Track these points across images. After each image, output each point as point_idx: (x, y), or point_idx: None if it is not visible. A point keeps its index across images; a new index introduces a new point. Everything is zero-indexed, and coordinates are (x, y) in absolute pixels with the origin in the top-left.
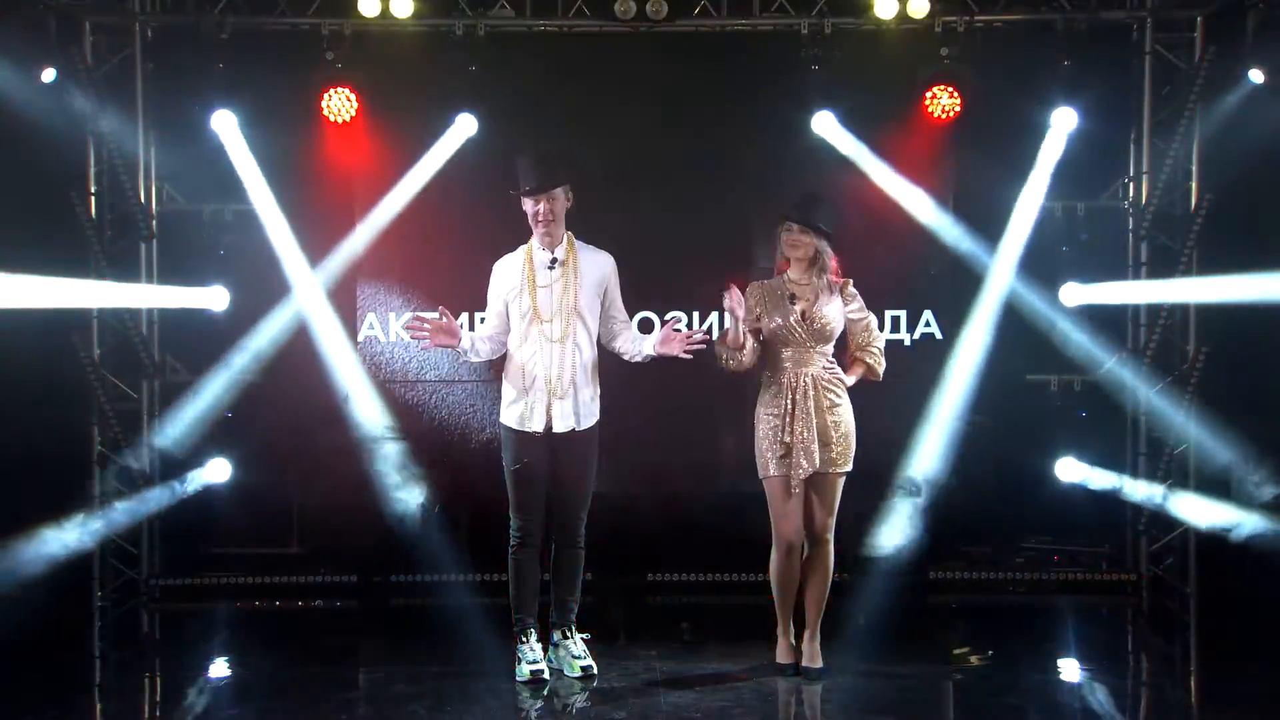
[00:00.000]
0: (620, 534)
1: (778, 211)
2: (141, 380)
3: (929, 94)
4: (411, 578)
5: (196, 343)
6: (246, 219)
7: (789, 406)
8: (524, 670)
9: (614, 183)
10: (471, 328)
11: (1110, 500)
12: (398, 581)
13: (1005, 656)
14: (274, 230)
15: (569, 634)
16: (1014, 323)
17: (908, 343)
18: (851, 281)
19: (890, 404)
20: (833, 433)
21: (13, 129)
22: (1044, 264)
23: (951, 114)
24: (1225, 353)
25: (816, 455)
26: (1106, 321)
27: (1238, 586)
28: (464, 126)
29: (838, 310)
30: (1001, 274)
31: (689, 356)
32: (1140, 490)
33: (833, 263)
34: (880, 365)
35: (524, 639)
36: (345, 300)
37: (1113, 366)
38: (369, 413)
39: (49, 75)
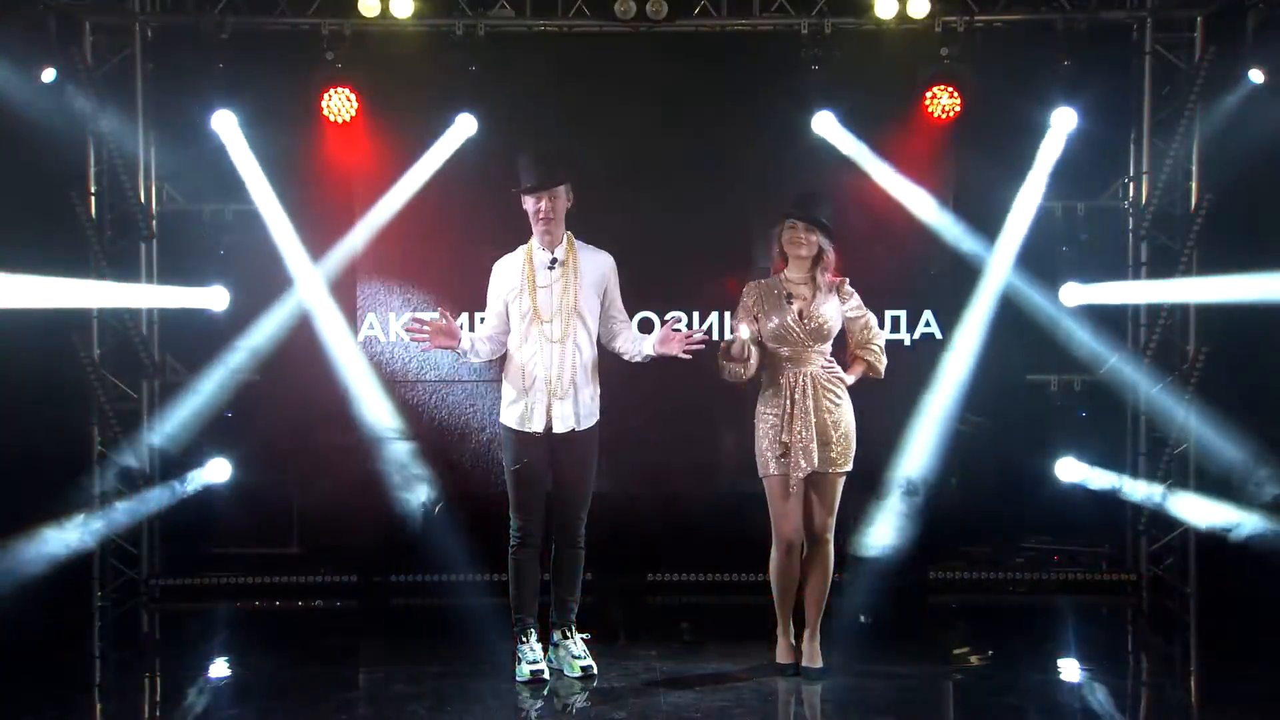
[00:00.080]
0: (620, 534)
1: (777, 211)
2: (141, 380)
3: (929, 94)
4: (411, 578)
5: (196, 343)
6: (246, 219)
7: (788, 406)
8: (524, 670)
9: (614, 183)
10: (471, 328)
11: (1110, 500)
12: (398, 581)
13: (1005, 656)
14: (276, 229)
15: (569, 634)
16: (1014, 323)
17: (908, 343)
18: (848, 280)
19: (890, 404)
20: (832, 432)
21: (13, 129)
22: (1044, 264)
23: (951, 114)
24: (1225, 353)
25: (816, 455)
26: (1106, 321)
27: (1238, 586)
28: (464, 126)
29: (835, 309)
30: (999, 273)
31: (688, 356)
32: (1140, 490)
33: (832, 261)
34: (881, 363)
35: (524, 639)
36: (345, 300)
37: (1113, 366)
38: (369, 413)
39: (49, 75)
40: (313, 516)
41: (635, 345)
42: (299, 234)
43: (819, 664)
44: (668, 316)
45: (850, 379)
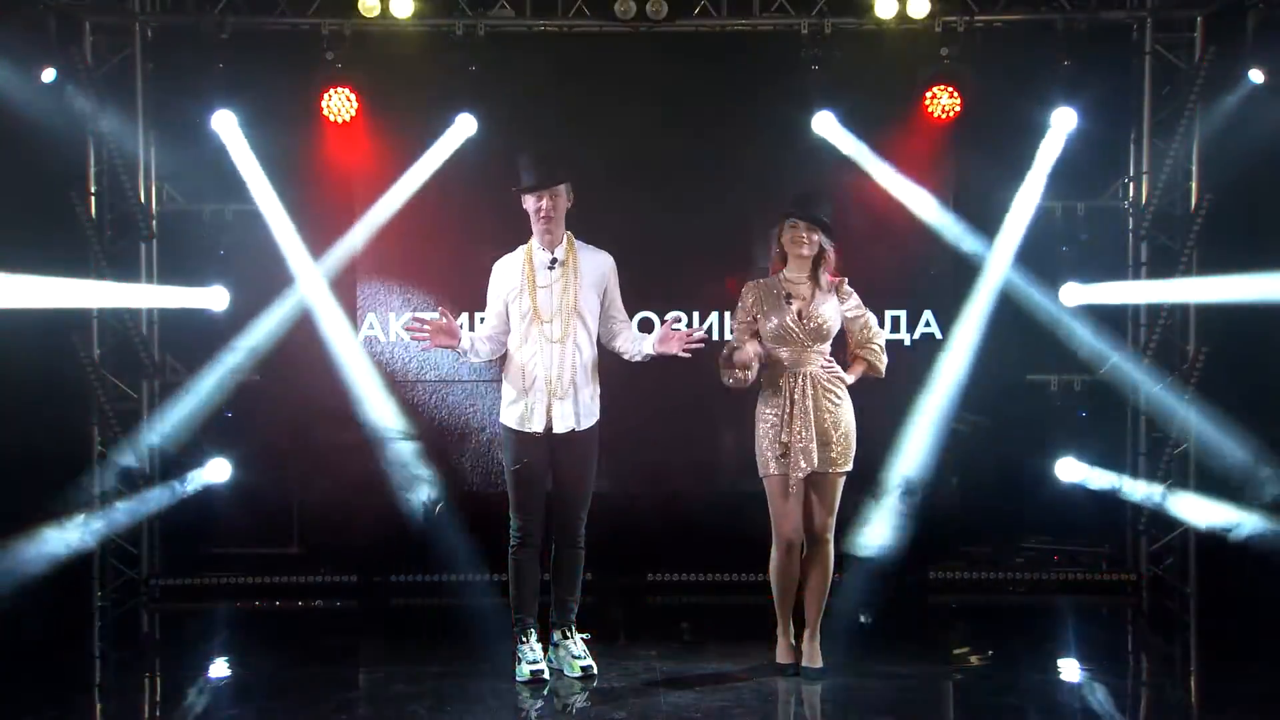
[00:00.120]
0: (620, 534)
1: (777, 211)
2: (141, 380)
3: (929, 94)
4: (411, 578)
5: (196, 343)
6: (246, 219)
7: (788, 406)
8: (524, 670)
9: (614, 183)
10: (471, 328)
11: (1110, 500)
12: (398, 581)
13: (1005, 656)
14: (277, 229)
15: (569, 634)
16: (1014, 322)
17: (908, 343)
18: (846, 280)
19: (890, 404)
20: (832, 432)
21: (13, 129)
22: (1044, 264)
23: (951, 114)
24: (1225, 353)
25: (815, 455)
26: (1106, 321)
27: (1238, 586)
28: (464, 126)
29: (834, 309)
30: (997, 272)
31: (688, 355)
32: (1140, 490)
33: (833, 260)
34: (882, 361)
35: (524, 639)
36: (345, 300)
37: (1113, 366)
38: (369, 413)
39: (49, 75)
40: (313, 516)
41: (635, 345)
42: (299, 234)
43: (819, 664)
44: (668, 316)
45: (850, 379)
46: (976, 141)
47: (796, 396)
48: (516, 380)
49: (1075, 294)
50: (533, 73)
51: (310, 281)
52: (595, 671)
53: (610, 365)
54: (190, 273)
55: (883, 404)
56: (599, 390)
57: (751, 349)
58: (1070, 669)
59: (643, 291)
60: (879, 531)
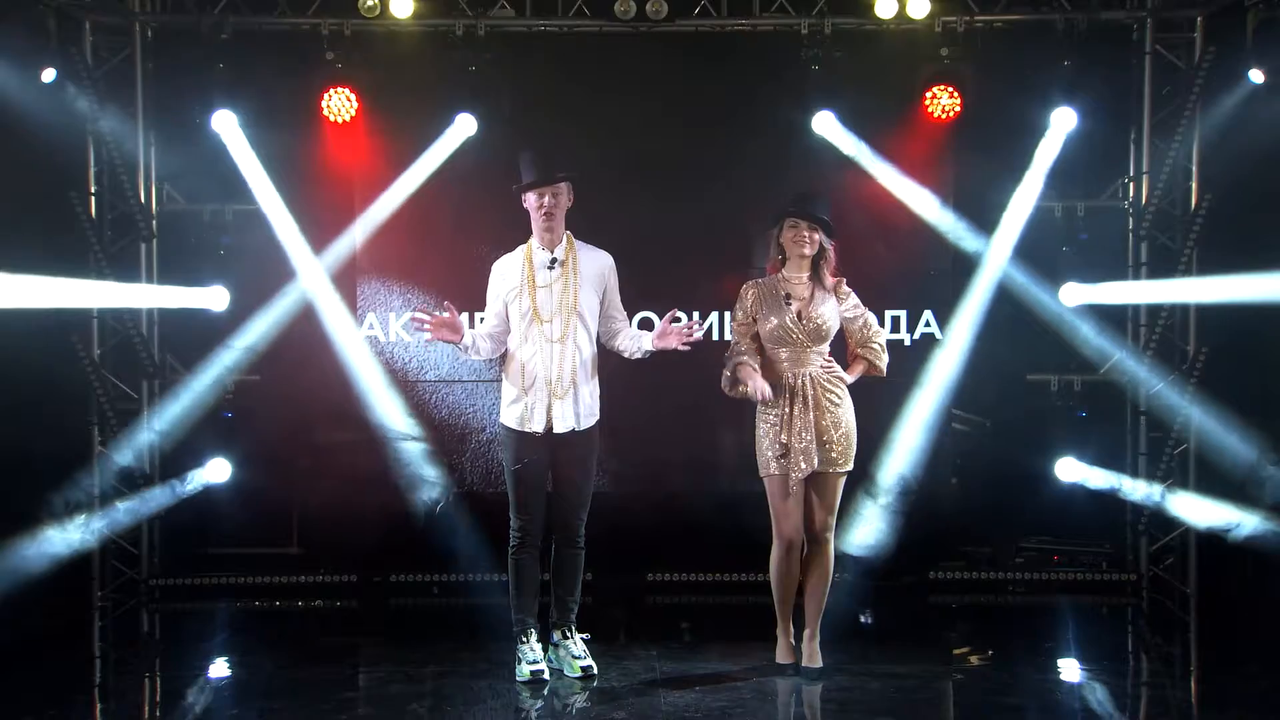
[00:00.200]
0: (620, 533)
1: (776, 211)
2: (141, 380)
3: (929, 94)
4: (411, 578)
5: (196, 343)
6: (246, 219)
7: (788, 406)
8: (524, 670)
9: (614, 182)
10: (471, 327)
11: (1110, 500)
12: (397, 581)
13: (1005, 656)
14: (279, 228)
15: (569, 634)
16: (1014, 322)
17: (908, 343)
18: (845, 280)
19: (889, 404)
20: (833, 432)
21: (13, 129)
22: (1044, 264)
23: (951, 114)
24: (1226, 352)
25: (815, 455)
26: (1107, 321)
27: (1238, 586)
28: (464, 126)
29: (833, 309)
30: (993, 273)
31: (687, 349)
32: (1140, 490)
33: (832, 259)
34: (882, 360)
35: (524, 639)
36: (345, 300)
37: (1113, 365)
38: (369, 413)
39: (49, 75)
40: (312, 516)
41: (634, 342)
42: (300, 233)
43: (819, 664)
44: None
45: (850, 378)
46: (976, 141)
47: (797, 396)
48: (516, 380)
49: (1075, 294)
50: (533, 73)
51: (311, 281)
52: (595, 671)
53: (611, 365)
54: (190, 273)
55: (882, 404)
56: (599, 390)
57: (754, 385)
58: (1070, 669)
59: (643, 291)
60: (879, 531)
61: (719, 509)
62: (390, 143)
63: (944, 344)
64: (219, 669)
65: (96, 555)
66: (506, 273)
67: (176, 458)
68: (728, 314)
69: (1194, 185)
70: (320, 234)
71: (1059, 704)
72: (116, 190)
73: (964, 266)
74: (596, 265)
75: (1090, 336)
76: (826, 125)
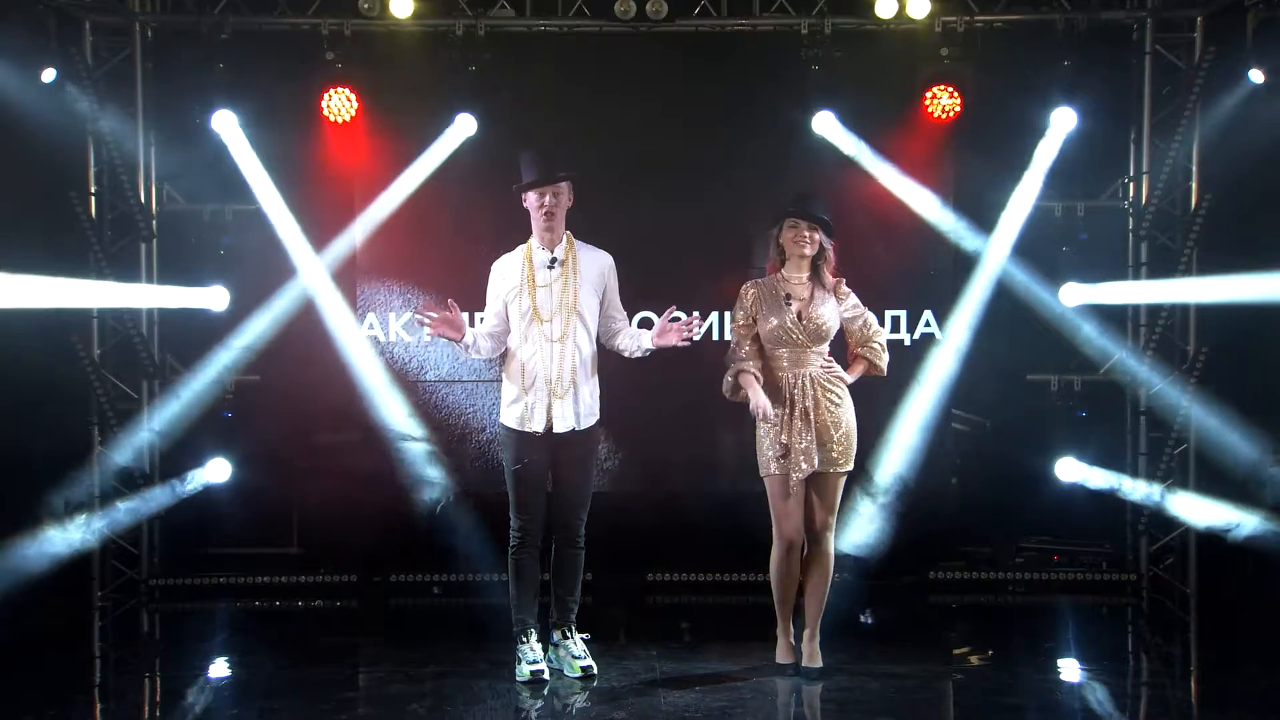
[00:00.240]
0: (620, 533)
1: (776, 211)
2: (141, 380)
3: (929, 94)
4: (411, 577)
5: (196, 343)
6: (246, 219)
7: (788, 406)
8: (524, 670)
9: (614, 182)
10: (472, 326)
11: (1110, 500)
12: (397, 581)
13: (1005, 656)
14: (280, 227)
15: (569, 634)
16: (1014, 322)
17: (908, 343)
18: (844, 280)
19: (889, 404)
20: (833, 432)
21: (13, 129)
22: (1044, 264)
23: (951, 114)
24: (1226, 352)
25: (816, 455)
26: (1107, 321)
27: (1238, 586)
28: (464, 126)
29: (833, 310)
30: (991, 271)
31: (688, 344)
32: (1139, 490)
33: (832, 259)
34: (882, 360)
35: (524, 639)
36: (345, 300)
37: (1113, 365)
38: (369, 413)
39: (49, 75)
40: (312, 516)
41: (634, 341)
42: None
43: (819, 664)
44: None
45: (850, 378)
46: (976, 141)
47: (797, 397)
48: (516, 379)
49: (1075, 294)
50: (533, 73)
51: (311, 281)
52: (595, 671)
53: (611, 365)
54: (190, 273)
55: (882, 404)
56: (599, 390)
57: (755, 403)
58: (1070, 669)
59: (643, 291)
60: (878, 531)
61: (719, 509)
62: (390, 143)
63: (942, 343)
64: (219, 669)
65: (96, 555)
66: (506, 272)
67: (176, 458)
68: (728, 314)
69: (1194, 185)
70: (320, 234)
71: (1059, 704)
72: (116, 190)
73: (964, 266)
74: (596, 265)
75: (1092, 335)
76: (826, 125)
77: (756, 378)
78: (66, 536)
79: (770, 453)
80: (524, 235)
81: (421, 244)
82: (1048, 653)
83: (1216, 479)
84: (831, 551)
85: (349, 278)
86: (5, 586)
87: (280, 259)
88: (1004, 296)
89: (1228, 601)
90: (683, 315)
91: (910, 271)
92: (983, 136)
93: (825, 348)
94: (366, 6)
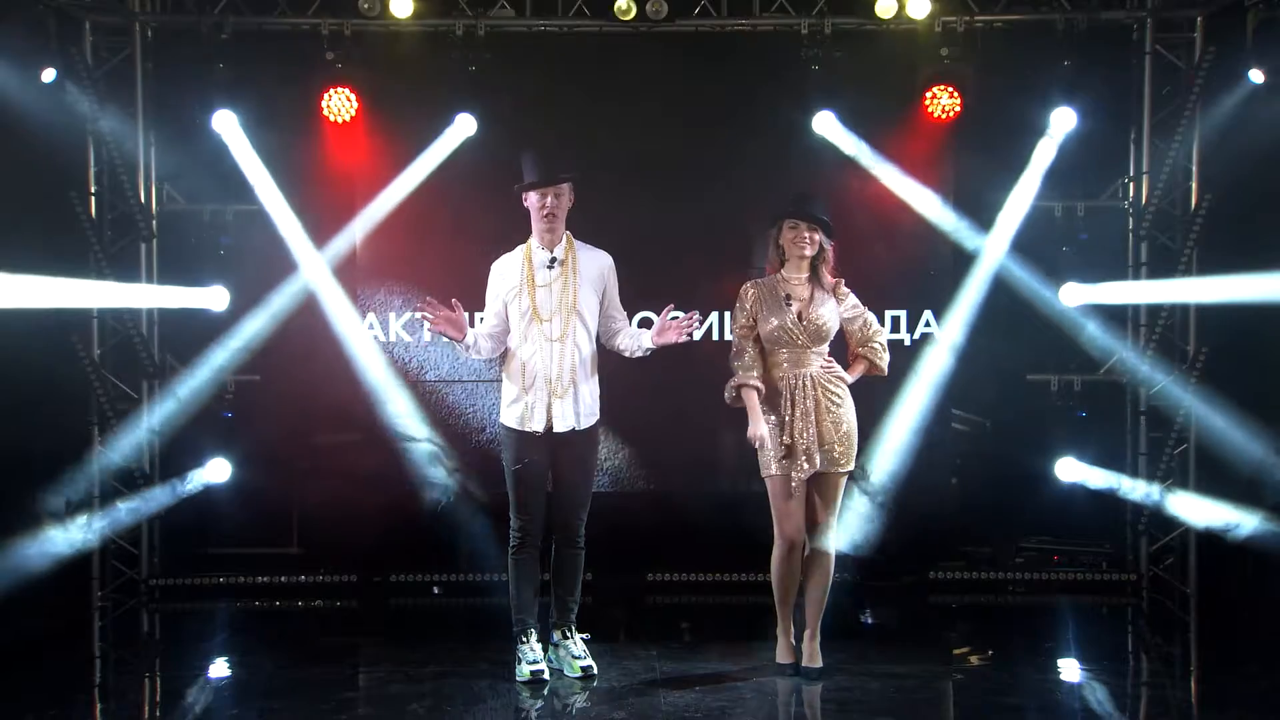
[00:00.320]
0: (620, 533)
1: (775, 212)
2: (141, 380)
3: (929, 94)
4: (411, 577)
5: (196, 343)
6: (246, 219)
7: (789, 407)
8: (524, 670)
9: (614, 182)
10: (471, 326)
11: (1110, 500)
12: (397, 581)
13: (1005, 656)
14: (282, 227)
15: (569, 634)
16: (1015, 322)
17: (908, 343)
18: (843, 281)
19: (889, 404)
20: (834, 432)
21: (13, 129)
22: (1044, 264)
23: (951, 114)
24: (1226, 352)
25: (818, 456)
26: (1107, 321)
27: (1238, 586)
28: (463, 126)
29: (833, 310)
30: (988, 270)
31: (688, 339)
32: (1139, 490)
33: (831, 259)
34: (882, 360)
35: (524, 639)
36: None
37: (1113, 365)
38: (369, 412)
39: (49, 75)
40: (312, 516)
41: (634, 341)
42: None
43: (819, 664)
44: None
45: (850, 378)
46: (976, 141)
47: (798, 397)
48: (516, 379)
49: (1075, 294)
50: (533, 73)
51: (311, 280)
52: (595, 671)
53: (611, 365)
54: (190, 273)
55: (882, 404)
56: (599, 390)
57: (752, 428)
58: (1070, 669)
59: (643, 291)
60: (878, 530)
61: (719, 509)
62: (390, 143)
63: (937, 340)
64: (219, 669)
65: (96, 555)
66: (506, 272)
67: (176, 457)
68: (727, 314)
69: (1194, 185)
70: (320, 234)
71: (1059, 704)
72: (116, 190)
73: (964, 266)
74: (596, 265)
75: (1094, 334)
76: (826, 125)
77: (759, 390)
78: (67, 536)
79: (772, 453)
80: (524, 235)
81: (421, 244)
82: (1048, 653)
83: (1218, 478)
84: (832, 552)
85: (349, 278)
86: (5, 586)
87: (280, 259)
88: (1004, 296)
89: (1228, 601)
90: (681, 313)
91: (910, 271)
92: (983, 136)
93: (825, 348)
94: (366, 6)
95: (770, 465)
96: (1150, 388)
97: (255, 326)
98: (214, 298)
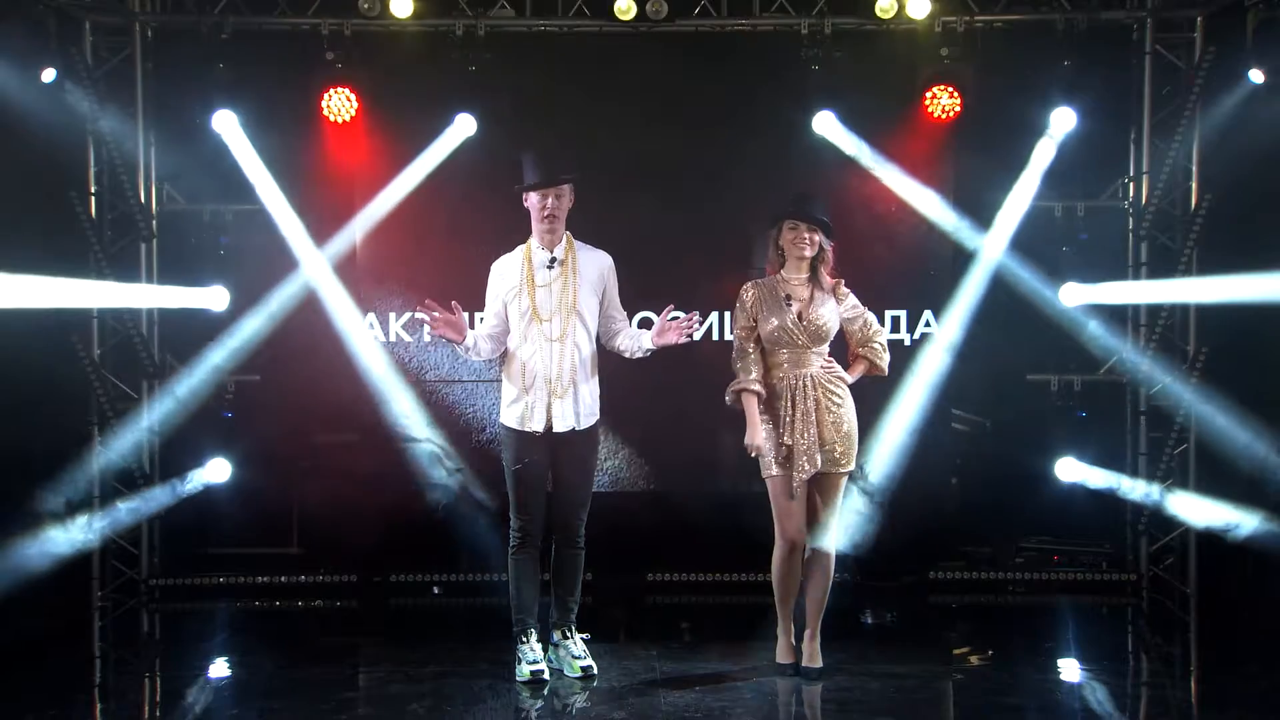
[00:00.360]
0: (620, 534)
1: (774, 212)
2: (141, 380)
3: (929, 94)
4: (411, 577)
5: (196, 343)
6: (247, 219)
7: (789, 408)
8: (524, 670)
9: (614, 182)
10: (471, 327)
11: (1110, 500)
12: (397, 581)
13: (1005, 656)
14: (284, 227)
15: (569, 634)
16: (1014, 322)
17: (908, 343)
18: (843, 281)
19: (888, 404)
20: (835, 432)
21: (13, 129)
22: (1045, 264)
23: (951, 114)
24: (1226, 352)
25: (819, 456)
26: (1107, 321)
27: (1238, 586)
28: (463, 126)
29: (833, 310)
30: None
31: (688, 339)
32: (1139, 490)
33: (830, 259)
34: (883, 360)
35: (524, 639)
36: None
37: (1113, 365)
38: (369, 413)
39: (49, 75)
40: (312, 516)
41: (634, 341)
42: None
43: (819, 664)
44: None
45: (850, 378)
46: (976, 141)
47: (798, 398)
48: (516, 379)
49: (1075, 294)
50: (533, 73)
51: (310, 281)
52: (595, 671)
53: (611, 365)
54: (190, 273)
55: (882, 404)
56: (599, 390)
57: (749, 436)
58: (1070, 669)
59: (643, 291)
60: (879, 531)
61: (719, 509)
62: (390, 143)
63: (934, 339)
64: (219, 669)
65: (96, 555)
66: (505, 272)
67: (176, 457)
68: (728, 314)
69: (1194, 185)
70: (320, 234)
71: (1059, 704)
72: (116, 190)
73: (964, 267)
74: (596, 265)
75: (1095, 332)
76: (827, 125)
77: (759, 396)
78: (68, 536)
79: (772, 454)
80: (524, 235)
81: (421, 244)
82: (1048, 653)
83: (1218, 478)
84: (832, 552)
85: (348, 278)
86: (5, 586)
87: (280, 258)
88: (1004, 296)
89: (1228, 601)
90: (681, 314)
91: (910, 271)
92: (983, 136)
93: (825, 348)
94: (366, 6)
95: (771, 466)
96: (1150, 388)
97: (254, 326)
98: (214, 298)
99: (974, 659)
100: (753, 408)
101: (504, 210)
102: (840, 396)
